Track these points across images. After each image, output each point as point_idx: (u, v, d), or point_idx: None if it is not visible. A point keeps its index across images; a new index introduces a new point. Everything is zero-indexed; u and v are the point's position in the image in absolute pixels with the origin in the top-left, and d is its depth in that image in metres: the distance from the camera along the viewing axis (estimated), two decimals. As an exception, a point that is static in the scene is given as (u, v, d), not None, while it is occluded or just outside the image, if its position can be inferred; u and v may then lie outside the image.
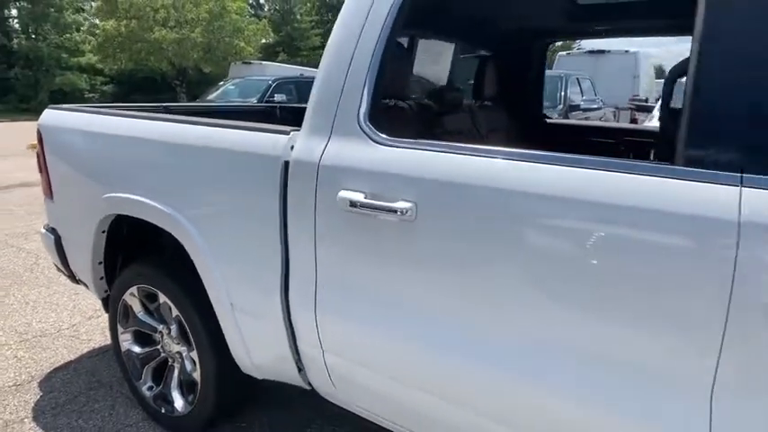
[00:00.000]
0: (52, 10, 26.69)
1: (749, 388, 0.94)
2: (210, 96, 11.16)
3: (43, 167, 2.36)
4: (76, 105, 2.40)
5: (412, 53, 1.84)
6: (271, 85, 9.87)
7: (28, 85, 24.26)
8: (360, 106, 1.42)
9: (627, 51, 11.73)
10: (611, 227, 1.04)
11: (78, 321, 3.11)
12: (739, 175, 0.93)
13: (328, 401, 1.73)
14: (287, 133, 1.55)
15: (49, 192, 2.38)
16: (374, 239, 1.36)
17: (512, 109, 2.53)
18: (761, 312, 0.90)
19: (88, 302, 3.31)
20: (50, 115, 2.35)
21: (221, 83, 12.06)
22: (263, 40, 26.87)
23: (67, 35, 26.63)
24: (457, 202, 1.22)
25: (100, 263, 2.22)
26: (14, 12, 27.18)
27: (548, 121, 2.86)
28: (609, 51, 11.53)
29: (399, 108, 1.85)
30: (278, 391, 2.13)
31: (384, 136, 1.37)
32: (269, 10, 41.53)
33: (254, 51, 24.08)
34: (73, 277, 2.46)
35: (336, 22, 1.53)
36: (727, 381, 0.95)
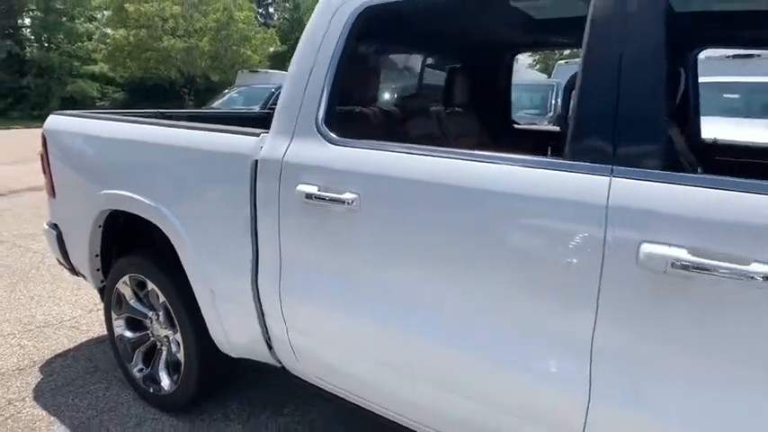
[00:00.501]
0: (64, 19, 27.33)
1: (621, 348, 1.12)
2: (216, 104, 11.48)
3: (46, 168, 2.58)
4: (78, 111, 2.62)
5: (373, 65, 2.04)
6: (273, 93, 10.14)
7: (40, 93, 24.75)
8: (318, 111, 1.62)
9: None
10: (507, 210, 1.23)
11: (79, 314, 3.32)
12: (610, 166, 1.12)
13: (301, 381, 1.91)
14: (257, 135, 1.75)
15: (51, 191, 2.59)
16: (326, 227, 1.56)
17: (479, 115, 2.72)
18: (624, 280, 1.08)
19: (89, 297, 3.53)
20: (54, 121, 2.57)
21: (226, 91, 12.38)
22: (272, 49, 27.30)
23: (79, 44, 27.22)
24: (392, 192, 1.41)
25: (97, 255, 2.43)
26: (27, 21, 27.84)
27: (516, 126, 3.05)
28: None
29: (358, 113, 2.05)
30: (258, 374, 2.32)
31: (335, 136, 1.57)
32: (278, 19, 42.12)
33: (261, 60, 24.50)
34: (73, 270, 2.67)
35: (300, 39, 1.73)
36: (603, 341, 1.13)
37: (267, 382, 2.46)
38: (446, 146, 1.46)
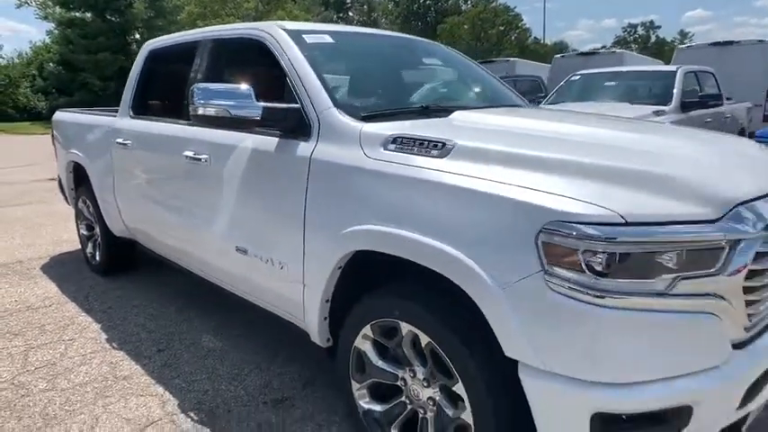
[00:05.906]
0: (162, 34, 31.64)
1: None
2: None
3: (53, 143, 4.51)
4: (69, 109, 4.52)
5: (158, 78, 3.66)
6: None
7: (143, 99, 29.12)
8: (130, 102, 3.30)
9: (761, 41, 10.31)
10: (174, 145, 2.82)
11: (87, 237, 5.28)
12: (189, 122, 2.67)
13: (148, 250, 3.58)
14: (115, 116, 3.46)
15: (55, 155, 4.52)
16: (125, 160, 3.23)
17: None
18: (198, 173, 2.63)
19: (97, 229, 5.50)
20: (57, 114, 4.49)
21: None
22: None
23: (175, 55, 31.37)
24: (146, 141, 3.05)
25: (72, 189, 4.30)
26: (137, 36, 32.60)
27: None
28: (738, 42, 10.41)
29: (149, 102, 3.69)
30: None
31: (134, 114, 3.24)
32: (356, 22, 44.54)
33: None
34: (67, 200, 4.59)
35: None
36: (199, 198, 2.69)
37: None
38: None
